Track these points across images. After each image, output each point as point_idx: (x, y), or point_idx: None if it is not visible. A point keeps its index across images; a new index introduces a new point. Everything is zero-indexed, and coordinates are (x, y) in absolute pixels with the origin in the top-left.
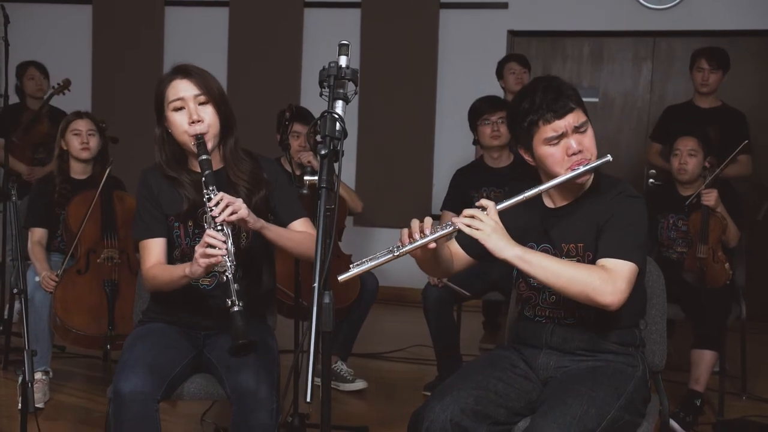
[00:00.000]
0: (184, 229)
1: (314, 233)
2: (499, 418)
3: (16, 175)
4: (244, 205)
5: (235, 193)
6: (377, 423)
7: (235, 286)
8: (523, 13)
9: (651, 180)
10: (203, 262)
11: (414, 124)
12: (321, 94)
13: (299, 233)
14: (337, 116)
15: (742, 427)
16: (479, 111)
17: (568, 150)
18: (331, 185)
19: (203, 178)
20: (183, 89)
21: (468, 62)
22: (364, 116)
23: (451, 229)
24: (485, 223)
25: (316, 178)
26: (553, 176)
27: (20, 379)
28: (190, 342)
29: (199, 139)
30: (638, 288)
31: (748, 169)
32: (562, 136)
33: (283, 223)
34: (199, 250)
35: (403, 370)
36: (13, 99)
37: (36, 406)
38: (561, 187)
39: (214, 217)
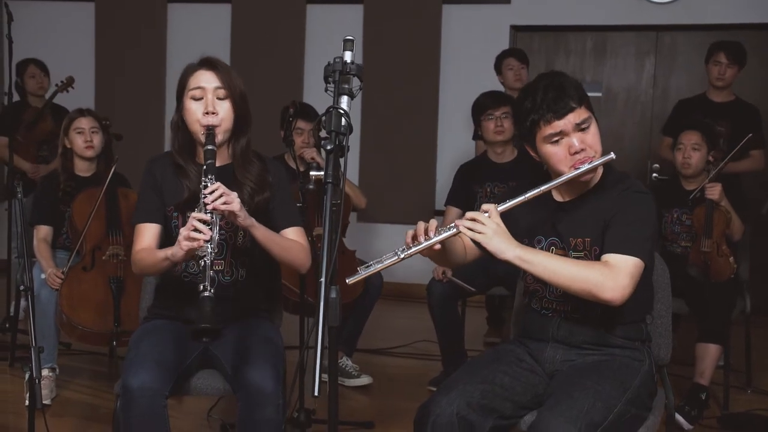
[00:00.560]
0: (182, 219)
1: (305, 244)
2: (505, 411)
3: (21, 173)
4: (238, 200)
5: (239, 192)
6: (382, 418)
7: (210, 273)
8: (525, 7)
9: (655, 175)
10: (186, 245)
11: (417, 119)
12: (326, 90)
13: (288, 240)
14: (342, 111)
15: (747, 420)
16: (483, 106)
17: (570, 148)
18: (337, 180)
19: (204, 167)
20: (205, 80)
21: (471, 58)
22: (367, 113)
23: (454, 231)
24: (487, 227)
25: (322, 173)
26: (557, 174)
27: (27, 375)
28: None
29: (210, 130)
30: (645, 283)
31: (760, 164)
32: (563, 135)
33: (277, 228)
34: (183, 232)
35: (408, 365)
36: (14, 97)
37: (43, 402)
38: (567, 183)
39: (206, 204)
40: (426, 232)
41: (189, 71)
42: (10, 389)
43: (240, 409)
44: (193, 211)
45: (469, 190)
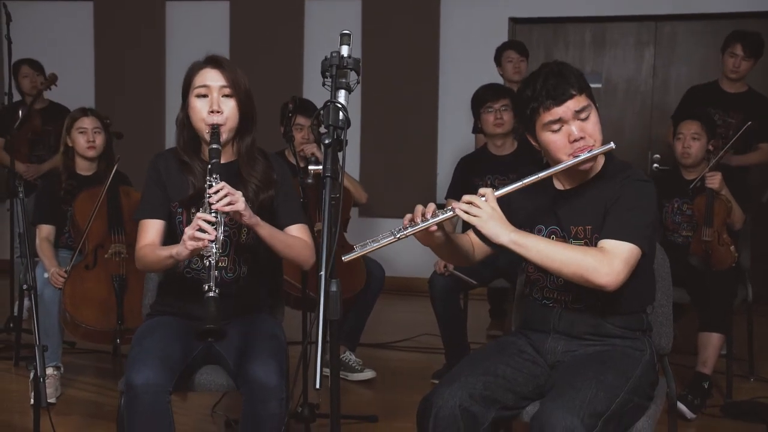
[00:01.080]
0: (186, 215)
1: (309, 241)
2: (507, 402)
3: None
4: (243, 199)
5: (244, 190)
6: (386, 412)
7: (215, 273)
8: (523, 0)
9: (655, 165)
10: (190, 244)
11: (417, 114)
12: (323, 84)
13: (292, 237)
14: (340, 105)
15: (750, 408)
16: (482, 99)
17: (569, 136)
18: (335, 174)
19: (209, 165)
20: (210, 78)
21: (470, 51)
22: (366, 108)
23: (450, 213)
24: (482, 210)
25: (321, 167)
26: (557, 162)
27: (32, 374)
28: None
29: (215, 128)
30: (645, 273)
31: None
32: (563, 123)
33: (281, 225)
34: (188, 232)
35: (411, 359)
36: (16, 96)
37: (48, 401)
38: (568, 171)
39: (210, 204)
40: (423, 215)
41: (194, 69)
42: (15, 388)
43: (244, 404)
44: (197, 208)
45: (470, 183)
